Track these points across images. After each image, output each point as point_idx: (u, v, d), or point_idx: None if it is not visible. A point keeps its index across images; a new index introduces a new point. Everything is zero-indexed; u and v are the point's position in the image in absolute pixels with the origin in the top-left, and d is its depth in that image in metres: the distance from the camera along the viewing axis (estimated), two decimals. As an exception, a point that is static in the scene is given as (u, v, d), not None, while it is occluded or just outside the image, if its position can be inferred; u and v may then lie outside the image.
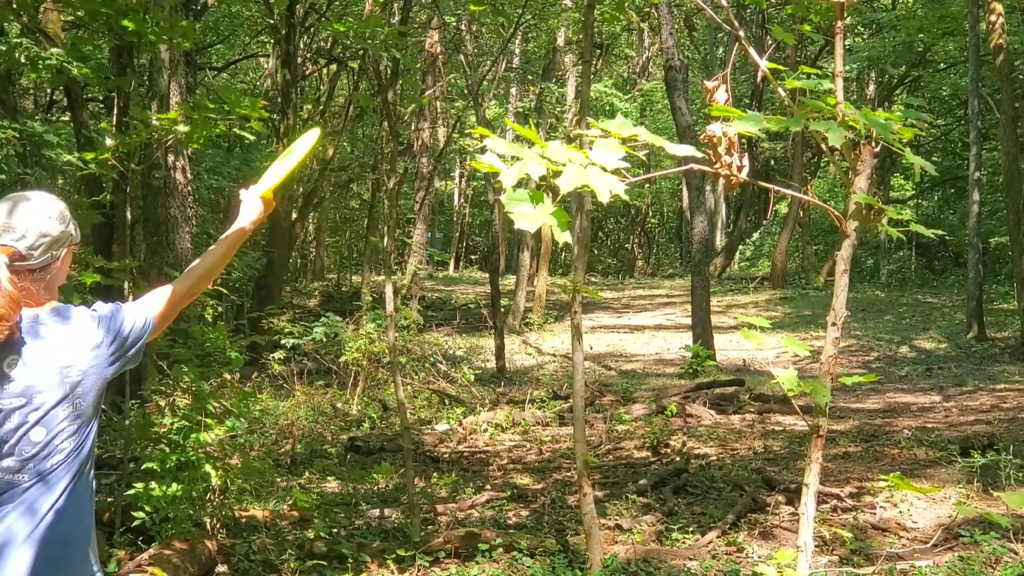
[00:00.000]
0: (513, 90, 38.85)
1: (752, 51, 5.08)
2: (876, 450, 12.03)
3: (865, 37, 37.61)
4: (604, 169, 4.00)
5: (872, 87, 42.22)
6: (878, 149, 4.88)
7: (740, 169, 4.95)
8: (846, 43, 35.03)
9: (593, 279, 44.71)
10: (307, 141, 4.17)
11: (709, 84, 5.17)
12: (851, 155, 4.73)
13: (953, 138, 40.71)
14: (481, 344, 24.26)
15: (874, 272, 40.50)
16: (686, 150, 4.54)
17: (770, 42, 36.16)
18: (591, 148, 4.10)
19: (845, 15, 4.93)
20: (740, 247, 46.83)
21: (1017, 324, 23.00)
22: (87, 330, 3.49)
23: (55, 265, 3.47)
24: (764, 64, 4.90)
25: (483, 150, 4.05)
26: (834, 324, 4.78)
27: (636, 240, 53.55)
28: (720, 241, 45.78)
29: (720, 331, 22.46)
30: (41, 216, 3.43)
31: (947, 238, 39.31)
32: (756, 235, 48.89)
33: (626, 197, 4.08)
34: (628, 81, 47.34)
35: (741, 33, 5.12)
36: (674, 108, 21.94)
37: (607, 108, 40.44)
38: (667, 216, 57.97)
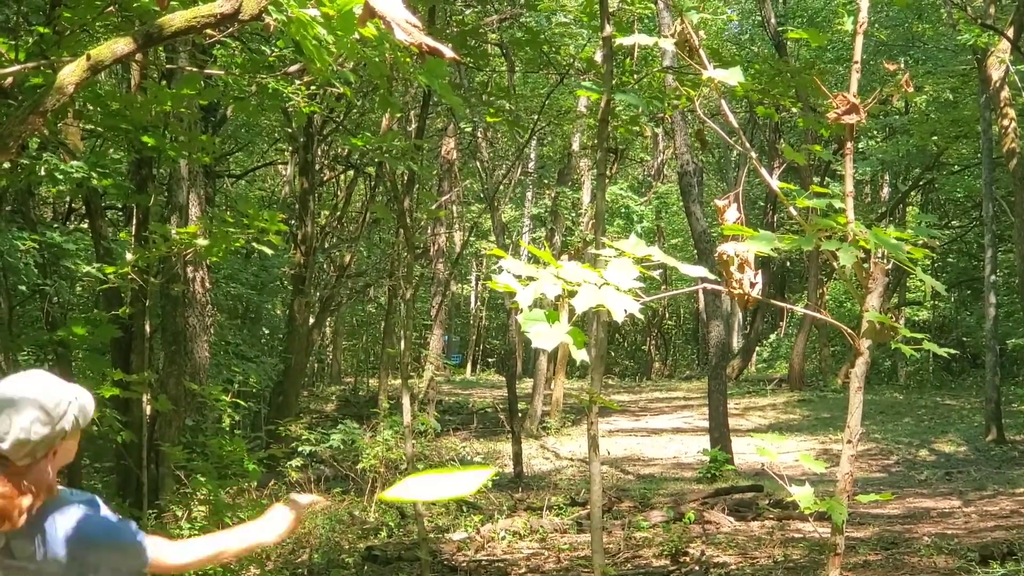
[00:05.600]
0: (528, 194, 39.23)
1: (764, 171, 5.16)
2: (896, 558, 11.94)
3: (879, 140, 37.90)
4: (618, 289, 4.06)
5: (887, 189, 42.43)
6: (889, 267, 4.94)
7: (753, 286, 5.00)
8: (860, 146, 35.37)
9: (610, 381, 44.59)
10: (476, 479, 3.68)
11: (720, 203, 5.23)
12: (862, 274, 4.78)
13: (968, 239, 40.79)
14: (499, 448, 24.18)
15: (892, 374, 40.38)
16: (698, 271, 4.60)
17: (782, 153, 36.41)
18: (605, 268, 4.16)
19: (855, 134, 5.01)
20: (757, 348, 46.75)
21: (1036, 427, 22.91)
22: (103, 534, 3.43)
23: (38, 467, 3.32)
24: (775, 183, 4.97)
25: (499, 269, 4.11)
26: (849, 442, 4.81)
27: (653, 342, 53.52)
28: (737, 343, 45.73)
29: (738, 434, 22.36)
30: (23, 419, 3.28)
31: (964, 339, 39.22)
32: (773, 337, 48.85)
33: (640, 316, 4.13)
34: (643, 184, 47.60)
35: (753, 154, 5.19)
36: (689, 213, 22.07)
37: (623, 211, 40.64)
38: (684, 317, 57.97)
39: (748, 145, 5.50)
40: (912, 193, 41.15)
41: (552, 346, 3.86)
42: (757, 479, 18.74)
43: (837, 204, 4.90)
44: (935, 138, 32.62)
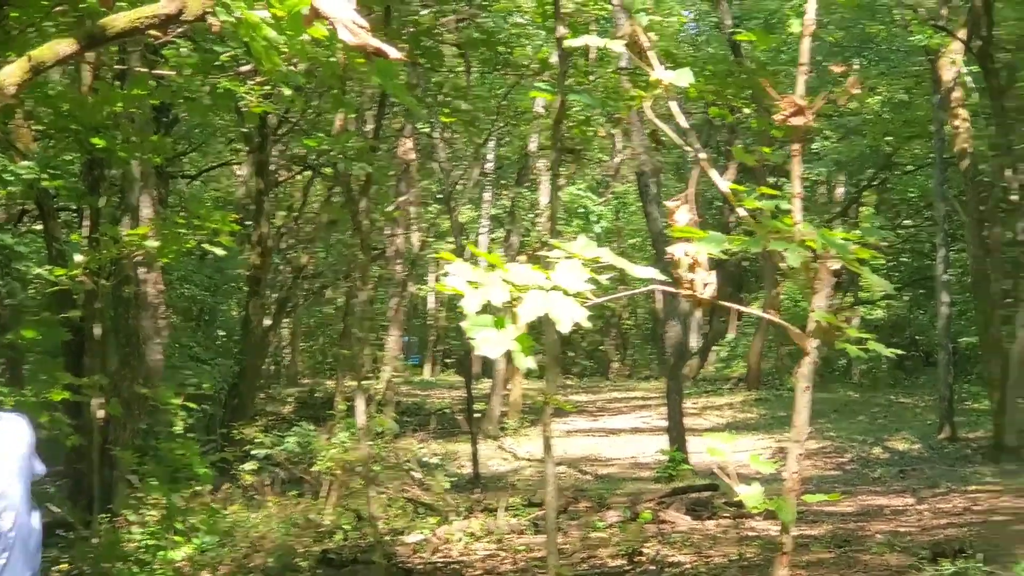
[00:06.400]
0: (487, 195, 39.13)
1: (713, 173, 5.16)
2: (849, 556, 12.00)
3: (834, 141, 38.05)
4: (567, 292, 4.04)
5: (841, 189, 42.62)
6: (837, 267, 4.95)
7: (707, 286, 5.00)
8: (814, 147, 35.51)
9: (569, 382, 44.66)
10: None
11: (671, 204, 5.24)
12: (810, 274, 4.79)
13: (922, 239, 41.03)
14: (456, 449, 24.13)
15: (846, 372, 40.58)
16: (648, 272, 4.60)
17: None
18: (555, 270, 4.15)
19: (808, 135, 5.02)
20: (715, 348, 46.89)
21: (989, 424, 23.05)
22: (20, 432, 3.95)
23: None
24: (724, 185, 4.98)
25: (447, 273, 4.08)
26: (797, 441, 4.82)
27: (612, 342, 53.58)
28: (695, 342, 45.84)
29: (696, 434, 22.40)
30: None
31: (918, 338, 39.48)
32: (731, 336, 48.99)
33: (588, 324, 4.10)
34: (601, 183, 47.62)
35: (703, 155, 5.20)
36: (647, 213, 22.13)
37: (581, 211, 40.65)
38: (642, 317, 58.05)
39: (699, 146, 5.51)
40: (866, 193, 41.37)
41: (498, 354, 3.82)
42: (714, 478, 18.76)
43: (786, 205, 4.91)
44: (889, 138, 32.84)
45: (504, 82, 22.86)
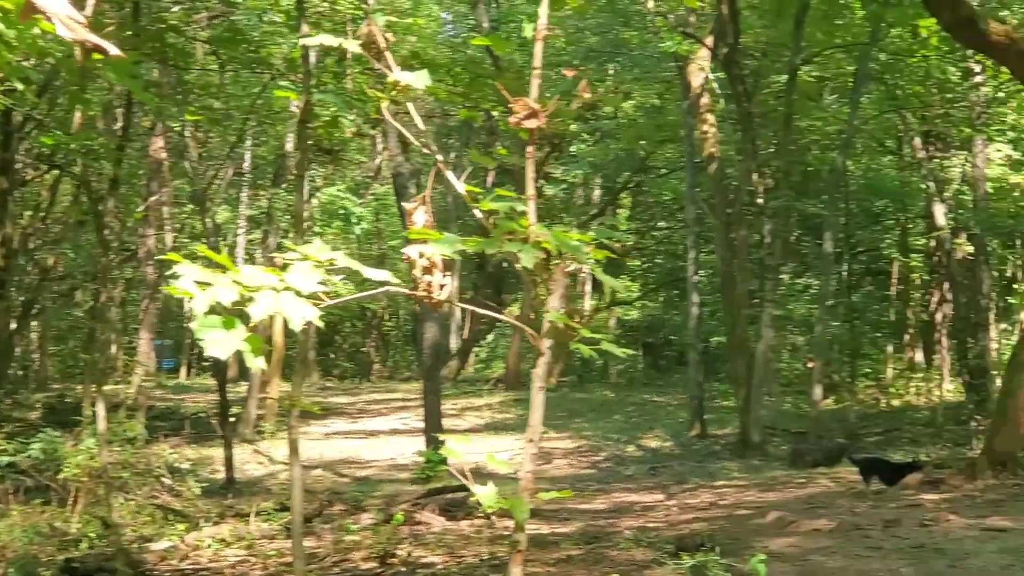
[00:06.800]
0: (243, 195, 38.57)
1: (450, 175, 5.17)
2: (597, 552, 12.22)
3: (590, 144, 38.79)
4: (300, 293, 4.03)
5: (598, 192, 43.49)
6: (572, 268, 5.03)
7: (442, 288, 5.03)
8: (572, 149, 36.15)
9: (329, 384, 44.37)
10: None
11: (409, 206, 5.25)
12: (546, 275, 4.85)
13: (675, 240, 42.22)
14: (211, 454, 23.65)
15: (603, 372, 41.41)
16: (381, 275, 4.60)
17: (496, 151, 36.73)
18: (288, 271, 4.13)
19: (547, 137, 5.09)
20: (476, 349, 47.22)
21: (736, 421, 23.88)
22: None
23: None
24: (461, 187, 5.00)
25: (177, 275, 4.02)
26: (531, 440, 4.88)
27: (372, 343, 53.46)
28: (456, 343, 46.09)
29: (455, 434, 22.49)
30: None
31: (672, 338, 40.60)
32: (490, 337, 49.41)
33: (320, 324, 4.10)
34: (361, 184, 47.48)
35: (440, 157, 5.23)
36: (403, 215, 22.11)
37: (341, 212, 40.43)
38: (403, 319, 58.11)
39: (436, 148, 5.54)
40: (622, 195, 42.31)
41: (227, 354, 3.81)
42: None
43: (522, 207, 4.96)
44: (643, 142, 33.68)
45: (260, 81, 22.55)
